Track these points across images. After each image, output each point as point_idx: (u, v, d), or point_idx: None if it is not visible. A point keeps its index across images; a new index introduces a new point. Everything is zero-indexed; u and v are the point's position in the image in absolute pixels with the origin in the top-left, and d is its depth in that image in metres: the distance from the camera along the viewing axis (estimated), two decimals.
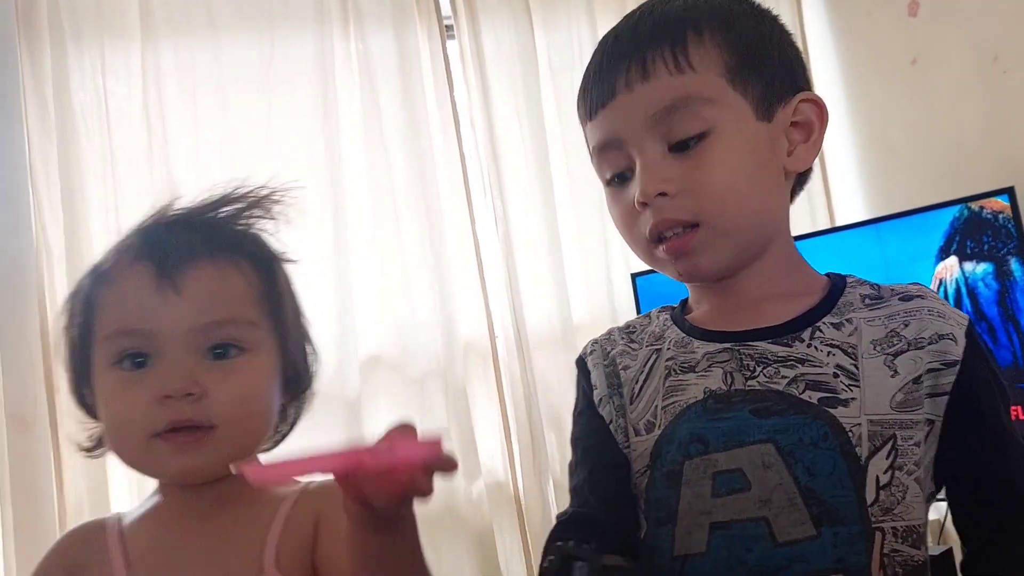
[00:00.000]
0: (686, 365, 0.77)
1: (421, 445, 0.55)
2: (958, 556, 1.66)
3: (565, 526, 0.76)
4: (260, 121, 2.08)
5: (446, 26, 2.26)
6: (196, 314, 0.75)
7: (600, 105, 0.76)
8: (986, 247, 1.82)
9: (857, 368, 0.72)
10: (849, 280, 0.79)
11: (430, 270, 2.14)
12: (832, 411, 0.70)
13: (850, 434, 0.69)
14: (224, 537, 0.76)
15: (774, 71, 0.75)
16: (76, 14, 1.99)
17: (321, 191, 2.06)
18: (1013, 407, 1.70)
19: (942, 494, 0.75)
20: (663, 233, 0.74)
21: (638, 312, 2.13)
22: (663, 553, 0.73)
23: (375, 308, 2.10)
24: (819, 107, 0.77)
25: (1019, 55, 1.95)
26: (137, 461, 0.77)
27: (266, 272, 0.81)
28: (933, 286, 1.86)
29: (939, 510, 1.75)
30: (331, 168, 2.09)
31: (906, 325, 0.73)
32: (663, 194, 0.73)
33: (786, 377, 0.72)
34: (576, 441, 0.82)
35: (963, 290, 1.85)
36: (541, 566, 0.69)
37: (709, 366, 0.75)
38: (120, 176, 1.97)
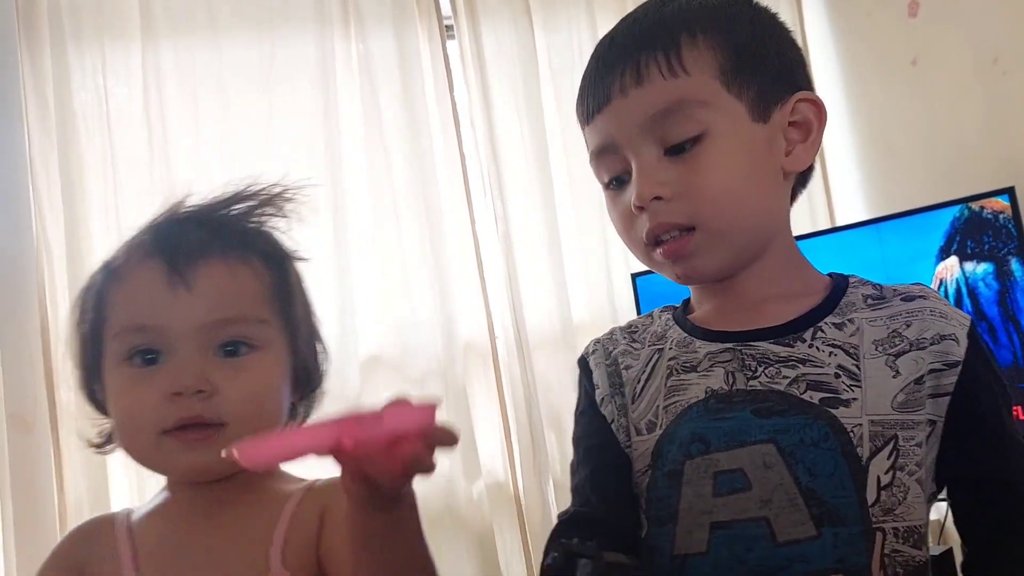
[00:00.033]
0: (688, 365, 0.77)
1: (412, 414, 0.54)
2: (958, 556, 1.66)
3: (567, 525, 0.76)
4: (260, 121, 2.09)
5: (446, 27, 2.26)
6: (207, 311, 0.75)
7: (596, 110, 0.77)
8: (986, 247, 1.82)
9: (858, 368, 0.72)
10: (851, 280, 0.79)
11: (430, 270, 2.14)
12: (833, 411, 0.70)
13: (851, 434, 0.69)
14: (231, 535, 0.76)
15: (770, 72, 0.75)
16: (76, 14, 2.00)
17: (321, 191, 2.06)
18: (1014, 407, 1.70)
19: (943, 494, 0.75)
20: (660, 236, 0.75)
21: (638, 312, 2.13)
22: (664, 552, 0.73)
23: (375, 308, 2.10)
24: (817, 106, 0.77)
25: (1019, 56, 1.95)
26: (146, 458, 0.77)
27: (277, 270, 0.81)
28: (933, 286, 1.86)
29: (939, 510, 1.75)
30: (331, 168, 2.09)
31: (908, 325, 0.73)
32: (658, 198, 0.73)
33: (787, 377, 0.72)
34: (578, 440, 0.82)
35: (963, 290, 1.85)
36: (544, 563, 0.69)
37: (711, 366, 0.75)
38: (120, 176, 1.97)
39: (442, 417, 0.54)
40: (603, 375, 0.81)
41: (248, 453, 0.53)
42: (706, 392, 0.74)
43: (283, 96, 2.10)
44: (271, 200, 0.81)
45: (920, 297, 0.75)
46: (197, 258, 0.76)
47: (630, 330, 0.84)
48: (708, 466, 0.71)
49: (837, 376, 0.72)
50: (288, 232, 0.83)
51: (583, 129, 0.81)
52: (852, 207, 2.43)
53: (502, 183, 2.23)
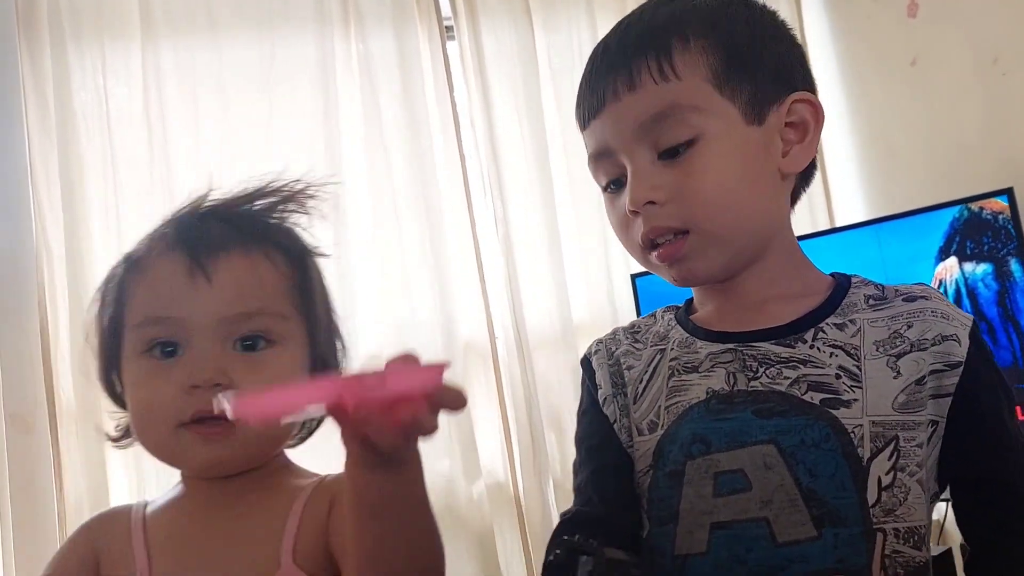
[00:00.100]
0: (689, 365, 0.77)
1: (416, 376, 0.52)
2: (958, 556, 1.66)
3: (569, 525, 0.76)
4: (260, 121, 2.09)
5: (446, 27, 2.27)
6: (227, 304, 0.75)
7: (592, 115, 0.77)
8: (986, 248, 1.82)
9: (859, 369, 0.72)
10: (854, 280, 0.79)
11: (430, 270, 2.14)
12: (834, 412, 0.70)
13: (852, 435, 0.70)
14: (243, 529, 0.76)
15: (765, 73, 0.75)
16: (76, 14, 2.00)
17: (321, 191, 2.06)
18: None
19: (945, 494, 0.75)
20: (655, 240, 0.75)
21: (638, 313, 2.14)
22: (665, 552, 0.73)
23: (375, 308, 2.10)
24: (814, 107, 0.77)
25: (1019, 56, 1.95)
26: (162, 450, 0.77)
27: (298, 265, 0.81)
28: (933, 287, 1.86)
29: (939, 510, 1.75)
30: (331, 168, 2.09)
31: (909, 326, 0.73)
32: (652, 202, 0.73)
33: (788, 378, 0.72)
34: (580, 440, 0.82)
35: (963, 291, 1.85)
36: (546, 560, 0.69)
37: (712, 366, 0.75)
38: (120, 176, 1.97)
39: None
40: (606, 375, 0.81)
41: (242, 406, 0.51)
42: (707, 393, 0.74)
43: (283, 96, 2.10)
44: (293, 196, 0.81)
45: (922, 297, 0.75)
46: (218, 251, 0.75)
47: (633, 330, 0.84)
48: (709, 466, 0.72)
49: (838, 377, 0.72)
50: (311, 228, 0.83)
51: (582, 133, 0.81)
52: (852, 207, 2.44)
53: (502, 183, 2.23)
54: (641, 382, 0.79)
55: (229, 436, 0.73)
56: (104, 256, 1.91)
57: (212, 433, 0.73)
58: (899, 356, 0.72)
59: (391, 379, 0.51)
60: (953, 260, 1.86)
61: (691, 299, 0.84)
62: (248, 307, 0.75)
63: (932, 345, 0.72)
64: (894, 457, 0.70)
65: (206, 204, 0.80)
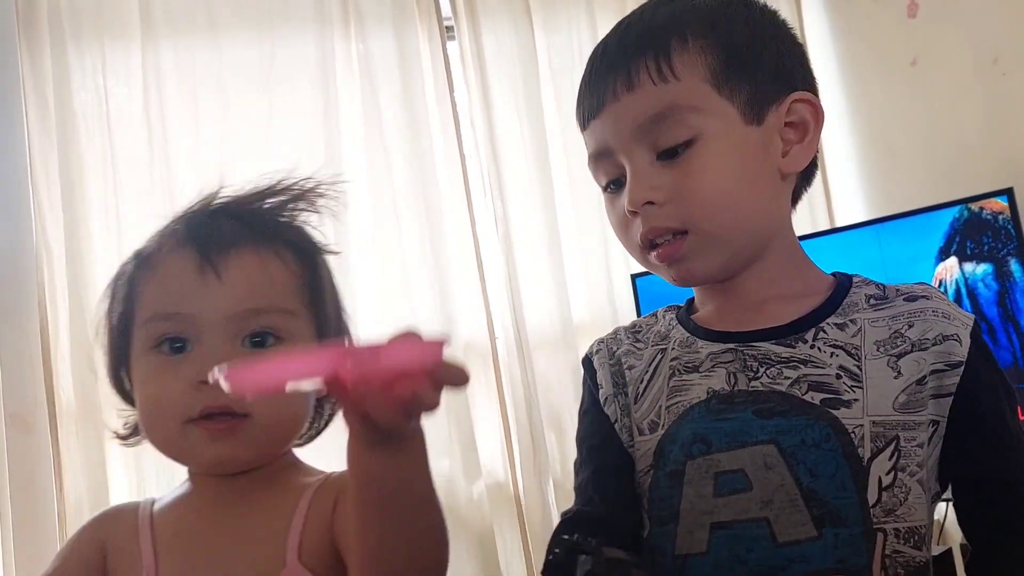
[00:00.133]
0: (690, 365, 0.77)
1: (417, 349, 0.50)
2: (958, 556, 1.66)
3: (569, 524, 0.76)
4: (260, 121, 2.09)
5: (446, 27, 2.27)
6: (236, 300, 0.75)
7: (591, 115, 0.77)
8: (986, 248, 1.82)
9: (860, 369, 0.72)
10: (855, 280, 0.79)
11: (430, 270, 2.14)
12: (834, 412, 0.70)
13: (852, 435, 0.70)
14: (249, 527, 0.76)
15: (765, 73, 0.75)
16: (76, 14, 2.00)
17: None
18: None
19: (946, 494, 0.75)
20: (654, 240, 0.75)
21: (638, 313, 2.14)
22: (665, 552, 0.73)
23: (375, 308, 2.10)
24: (813, 106, 0.77)
25: (1019, 56, 1.95)
26: (170, 446, 0.76)
27: (308, 263, 0.81)
28: (934, 286, 1.86)
29: (939, 510, 1.75)
30: (331, 168, 2.09)
31: (910, 326, 0.73)
32: (651, 203, 0.74)
33: (789, 378, 0.72)
34: (581, 440, 0.82)
35: (963, 291, 1.85)
36: (546, 559, 0.69)
37: (713, 366, 0.75)
38: (120, 176, 1.97)
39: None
40: (607, 375, 0.81)
41: (237, 377, 0.50)
42: (708, 392, 0.74)
43: (283, 96, 2.10)
44: (304, 195, 0.82)
45: (923, 297, 0.75)
46: (228, 248, 0.76)
47: (634, 330, 0.84)
48: (709, 466, 0.72)
49: (838, 377, 0.72)
50: (321, 226, 0.83)
51: (581, 133, 0.81)
52: (852, 208, 2.44)
53: (502, 183, 2.23)
54: (642, 382, 0.79)
55: (236, 433, 0.73)
56: (104, 256, 1.91)
57: (220, 429, 0.73)
58: (900, 356, 0.72)
59: (390, 353, 0.50)
60: (953, 260, 1.86)
61: (692, 299, 0.84)
62: (257, 304, 0.75)
63: (933, 345, 0.72)
64: (895, 457, 0.70)
65: (217, 201, 0.81)
